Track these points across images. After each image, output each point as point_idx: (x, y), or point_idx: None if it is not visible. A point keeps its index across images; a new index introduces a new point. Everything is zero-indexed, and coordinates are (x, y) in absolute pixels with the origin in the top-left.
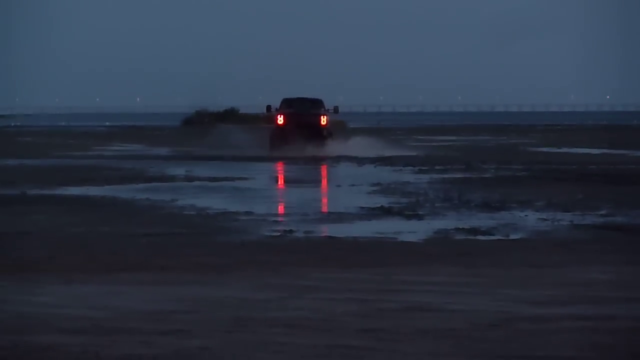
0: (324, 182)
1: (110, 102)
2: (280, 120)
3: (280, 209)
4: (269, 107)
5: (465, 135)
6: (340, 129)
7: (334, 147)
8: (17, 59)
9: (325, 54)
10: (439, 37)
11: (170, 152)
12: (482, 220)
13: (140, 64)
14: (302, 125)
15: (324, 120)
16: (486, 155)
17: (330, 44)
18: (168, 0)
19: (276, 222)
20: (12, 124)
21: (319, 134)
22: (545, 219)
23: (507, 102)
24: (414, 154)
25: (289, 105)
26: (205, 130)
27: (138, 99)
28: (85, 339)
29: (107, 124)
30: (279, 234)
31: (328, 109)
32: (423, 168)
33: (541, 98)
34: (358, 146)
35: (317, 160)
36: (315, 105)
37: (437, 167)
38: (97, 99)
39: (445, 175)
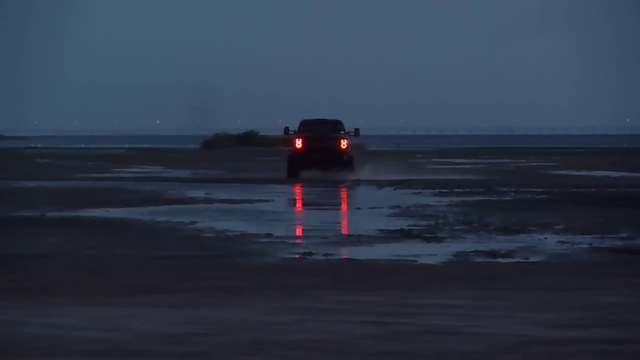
0: (344, 204)
1: (130, 125)
2: (299, 144)
3: (299, 231)
4: (287, 130)
5: (484, 158)
6: (360, 151)
7: (353, 171)
8: (37, 80)
9: (343, 72)
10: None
11: (190, 174)
12: (501, 243)
13: (160, 87)
14: (321, 150)
15: (344, 144)
16: (505, 178)
17: (350, 62)
18: (191, 20)
19: (295, 244)
20: (31, 146)
21: (339, 159)
22: (565, 242)
23: (527, 124)
24: (433, 177)
25: (308, 127)
26: (225, 152)
27: (158, 121)
28: None
29: (126, 146)
30: (297, 256)
31: (348, 132)
32: (443, 191)
33: (561, 121)
34: (377, 169)
35: (337, 184)
36: (334, 128)
37: (456, 190)
38: (117, 122)
39: (465, 198)
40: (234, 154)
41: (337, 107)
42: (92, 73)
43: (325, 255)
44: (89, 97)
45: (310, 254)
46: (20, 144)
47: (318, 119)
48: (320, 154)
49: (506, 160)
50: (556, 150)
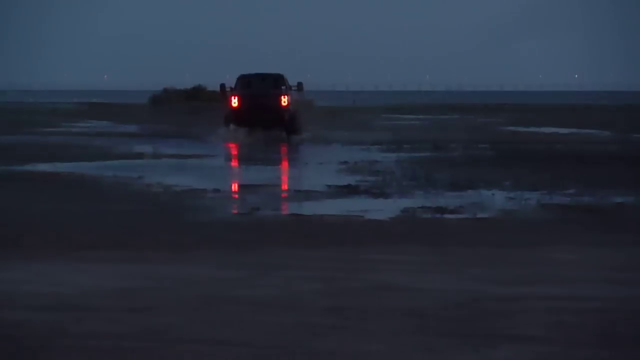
0: (288, 161)
1: (78, 79)
2: (235, 102)
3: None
4: (222, 86)
5: (433, 114)
6: (308, 108)
7: (297, 130)
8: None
9: (291, 29)
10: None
11: (138, 129)
12: (449, 199)
13: (109, 42)
14: (259, 108)
15: (284, 100)
16: (454, 134)
17: (299, 20)
18: None
19: (243, 200)
20: None
21: (280, 118)
22: (513, 198)
23: (478, 81)
24: (382, 133)
25: (246, 83)
26: (173, 108)
27: (105, 76)
28: (51, 315)
29: (75, 100)
30: (246, 212)
31: (291, 87)
32: (391, 147)
33: (509, 78)
34: (324, 126)
35: (281, 140)
36: (275, 83)
37: (404, 147)
38: (65, 75)
39: (413, 154)
40: (181, 110)
41: (288, 61)
42: (43, 26)
43: (273, 210)
44: (39, 51)
45: (257, 209)
46: None
47: (257, 74)
48: (258, 113)
49: (455, 117)
50: (505, 106)
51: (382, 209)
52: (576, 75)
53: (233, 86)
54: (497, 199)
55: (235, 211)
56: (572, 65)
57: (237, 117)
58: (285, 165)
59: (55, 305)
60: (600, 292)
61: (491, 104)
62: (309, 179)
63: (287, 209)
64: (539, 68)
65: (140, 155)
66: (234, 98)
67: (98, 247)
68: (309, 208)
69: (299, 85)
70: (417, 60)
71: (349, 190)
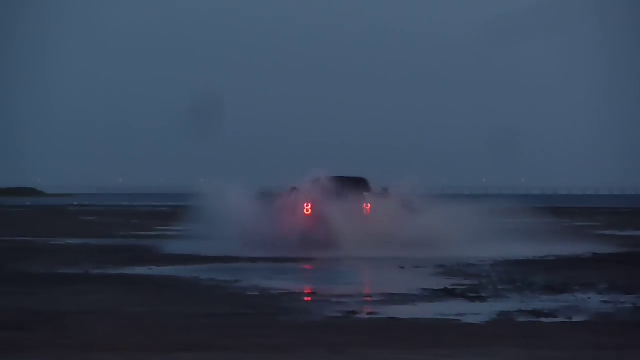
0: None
1: (173, 182)
2: (307, 209)
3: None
4: (293, 190)
5: (526, 217)
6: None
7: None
8: (83, 138)
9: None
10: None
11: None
12: (545, 302)
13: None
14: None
15: (367, 209)
16: (551, 237)
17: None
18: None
19: (339, 303)
20: (75, 203)
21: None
22: (608, 302)
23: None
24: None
25: (322, 187)
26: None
27: (202, 179)
28: None
29: (170, 203)
30: (342, 314)
31: (375, 192)
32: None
33: (584, 181)
34: None
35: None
36: (356, 188)
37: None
38: (160, 179)
39: (508, 258)
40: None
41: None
42: (136, 128)
43: (369, 313)
44: (133, 155)
45: (354, 312)
46: (63, 201)
47: (335, 177)
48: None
49: (550, 220)
50: (601, 210)
51: (478, 312)
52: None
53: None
54: (592, 302)
55: (331, 314)
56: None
57: (308, 226)
58: (381, 268)
59: None
60: None
61: (586, 207)
62: (405, 282)
63: (383, 312)
64: (618, 170)
65: (236, 259)
66: (307, 205)
67: (193, 350)
68: (405, 311)
69: (385, 192)
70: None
71: (445, 294)
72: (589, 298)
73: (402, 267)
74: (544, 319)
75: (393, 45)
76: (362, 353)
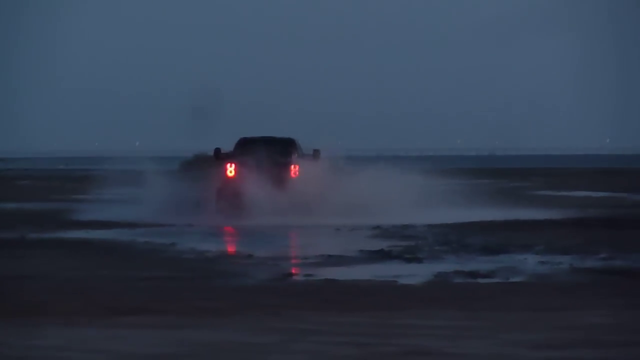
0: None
1: (110, 146)
2: (231, 171)
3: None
4: (217, 151)
5: (464, 179)
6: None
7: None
8: (18, 102)
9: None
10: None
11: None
12: (481, 263)
13: (139, 107)
14: (260, 180)
15: (294, 171)
16: (487, 199)
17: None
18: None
19: (275, 265)
20: (11, 167)
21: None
22: (545, 262)
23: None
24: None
25: (247, 148)
26: (204, 173)
27: (137, 143)
28: None
29: (106, 167)
30: (278, 277)
31: (303, 154)
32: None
33: (541, 141)
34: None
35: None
36: (284, 149)
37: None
38: (96, 143)
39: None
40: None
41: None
42: (73, 94)
43: (306, 275)
44: (69, 119)
45: (290, 274)
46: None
47: (262, 137)
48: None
49: (487, 181)
50: (538, 170)
51: (415, 274)
52: (608, 140)
53: (231, 151)
54: (529, 263)
55: (268, 277)
56: (603, 129)
57: (231, 190)
58: (318, 230)
59: None
60: (633, 356)
61: (524, 168)
62: (342, 244)
63: (320, 274)
64: (570, 131)
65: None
66: (230, 166)
67: (131, 313)
68: (342, 273)
69: (315, 153)
70: (447, 123)
71: (382, 256)
72: (526, 259)
73: (338, 229)
74: (481, 280)
75: None
76: (299, 315)
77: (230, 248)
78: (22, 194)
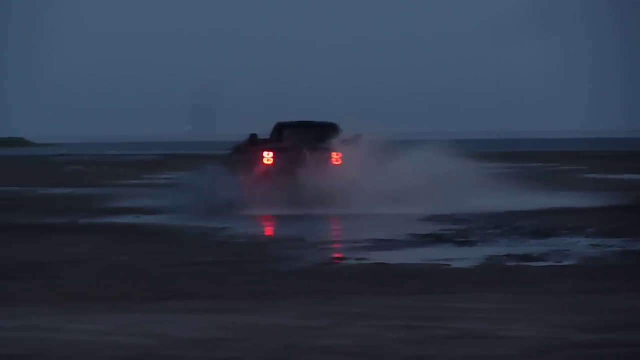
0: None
1: (159, 131)
2: (268, 159)
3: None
4: (253, 137)
5: (512, 162)
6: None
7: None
8: (73, 89)
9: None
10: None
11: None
12: (533, 246)
13: (191, 94)
14: (299, 167)
15: (335, 158)
16: (542, 183)
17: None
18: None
19: (327, 249)
20: (61, 153)
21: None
22: (596, 245)
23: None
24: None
25: (285, 134)
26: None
27: (189, 127)
28: None
29: (158, 152)
30: (330, 261)
31: (346, 139)
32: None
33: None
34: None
35: None
36: (324, 135)
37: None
38: (145, 128)
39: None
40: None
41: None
42: (122, 80)
43: (357, 259)
44: (118, 105)
45: (342, 258)
46: (49, 151)
47: (300, 122)
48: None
49: (538, 165)
50: (583, 153)
51: (466, 257)
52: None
53: (268, 137)
54: (580, 246)
55: (319, 260)
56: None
57: (268, 178)
58: (369, 215)
59: (140, 356)
60: None
61: (571, 151)
62: (393, 228)
63: (371, 257)
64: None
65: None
66: (267, 153)
67: (180, 298)
68: (393, 257)
69: (357, 138)
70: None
71: (434, 239)
72: (578, 242)
73: (386, 215)
74: (532, 263)
75: None
76: (349, 298)
77: (281, 232)
78: (74, 179)
